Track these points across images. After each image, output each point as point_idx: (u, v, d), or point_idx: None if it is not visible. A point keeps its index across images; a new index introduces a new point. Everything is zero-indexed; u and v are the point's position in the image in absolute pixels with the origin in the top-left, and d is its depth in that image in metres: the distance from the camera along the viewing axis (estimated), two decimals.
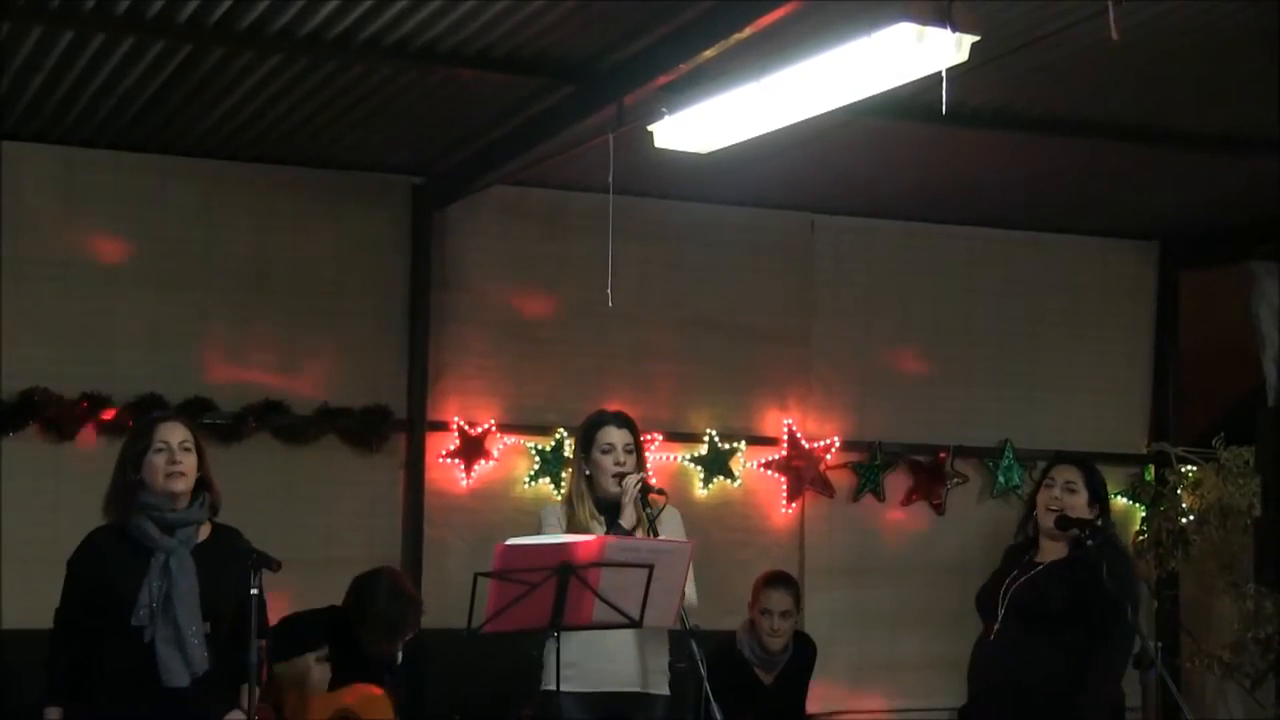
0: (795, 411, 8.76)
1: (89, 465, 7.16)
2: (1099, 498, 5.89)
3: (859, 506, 8.87)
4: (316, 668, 6.40)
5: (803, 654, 7.51)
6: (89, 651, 5.20)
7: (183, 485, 5.26)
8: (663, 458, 8.37)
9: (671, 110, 6.08)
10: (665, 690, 5.71)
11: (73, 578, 5.27)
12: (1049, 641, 5.68)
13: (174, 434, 5.29)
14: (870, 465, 8.87)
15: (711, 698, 5.17)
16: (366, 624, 6.47)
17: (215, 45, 6.24)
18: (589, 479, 5.71)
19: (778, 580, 7.43)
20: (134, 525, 5.22)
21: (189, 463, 5.28)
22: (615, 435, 5.70)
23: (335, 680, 6.38)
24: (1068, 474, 5.88)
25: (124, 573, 5.18)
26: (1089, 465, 5.99)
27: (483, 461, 8.17)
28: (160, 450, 5.25)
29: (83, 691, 5.20)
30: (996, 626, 5.78)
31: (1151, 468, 9.28)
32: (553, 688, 5.33)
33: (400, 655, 6.56)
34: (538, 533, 5.59)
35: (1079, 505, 5.82)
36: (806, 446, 8.73)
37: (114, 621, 5.16)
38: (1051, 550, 5.87)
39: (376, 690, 6.38)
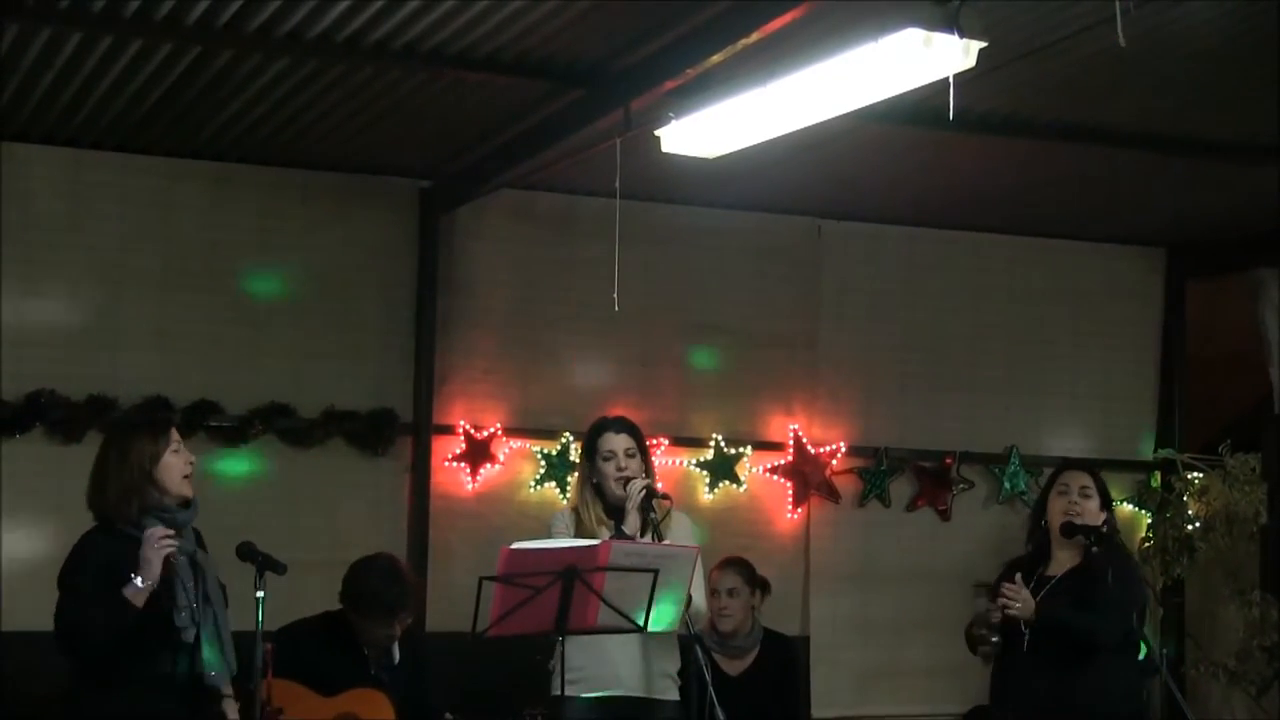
0: (801, 416, 8.75)
1: None
2: (1107, 503, 5.92)
3: (864, 512, 8.86)
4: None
5: (773, 651, 7.42)
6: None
7: (191, 490, 5.30)
8: (668, 462, 8.36)
9: (679, 115, 6.08)
10: (673, 695, 5.71)
11: (78, 585, 5.11)
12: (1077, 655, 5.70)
13: (178, 437, 5.34)
14: (876, 471, 8.86)
15: (716, 701, 5.18)
16: (362, 605, 6.44)
17: (224, 47, 6.25)
18: (596, 485, 5.72)
19: (725, 562, 7.42)
20: (145, 526, 5.15)
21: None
22: (615, 441, 5.71)
23: (336, 685, 6.36)
24: (1081, 480, 5.88)
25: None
26: (1096, 470, 6.01)
27: (488, 465, 8.17)
28: (178, 452, 5.28)
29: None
30: (1028, 640, 5.72)
31: (1158, 474, 9.26)
32: (559, 693, 5.32)
33: (398, 652, 6.54)
34: (546, 539, 5.58)
35: (1093, 511, 5.83)
36: (812, 452, 8.72)
37: (146, 625, 5.06)
38: (1063, 561, 5.86)
39: (377, 693, 6.37)
